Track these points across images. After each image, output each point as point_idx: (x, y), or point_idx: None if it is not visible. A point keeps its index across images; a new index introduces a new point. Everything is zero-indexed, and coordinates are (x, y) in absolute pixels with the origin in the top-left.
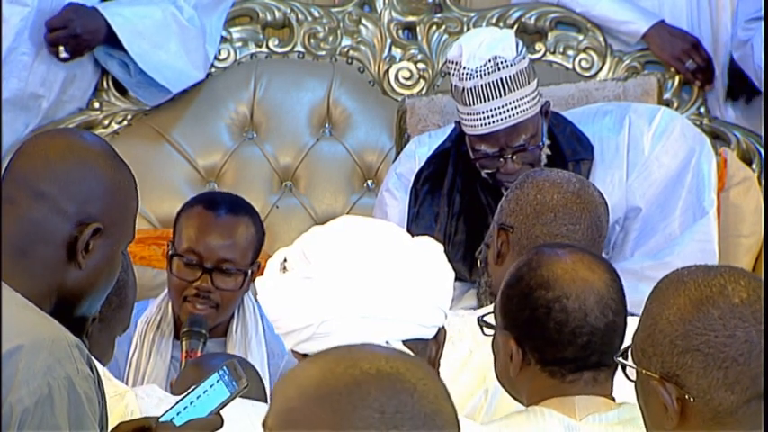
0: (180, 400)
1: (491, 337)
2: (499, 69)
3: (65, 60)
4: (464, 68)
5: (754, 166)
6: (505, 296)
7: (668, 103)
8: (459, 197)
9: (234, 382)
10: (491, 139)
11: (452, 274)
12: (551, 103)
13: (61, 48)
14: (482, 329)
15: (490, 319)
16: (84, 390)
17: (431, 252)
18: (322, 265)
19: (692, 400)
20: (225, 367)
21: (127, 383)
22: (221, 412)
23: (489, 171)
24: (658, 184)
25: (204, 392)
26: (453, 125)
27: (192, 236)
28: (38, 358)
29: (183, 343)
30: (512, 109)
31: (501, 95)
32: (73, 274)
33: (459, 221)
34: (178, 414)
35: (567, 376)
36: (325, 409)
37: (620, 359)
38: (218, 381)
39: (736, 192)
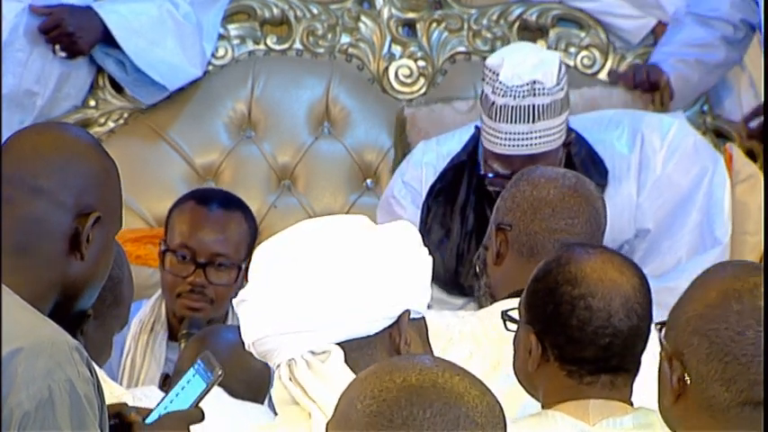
0: (161, 401)
1: (491, 339)
2: (534, 95)
3: (65, 58)
4: (500, 83)
5: (756, 165)
6: (531, 290)
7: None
8: (473, 214)
9: (209, 373)
10: (506, 160)
11: (417, 255)
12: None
13: (57, 47)
14: (505, 324)
15: (514, 314)
16: (84, 392)
17: (378, 240)
18: (250, 287)
19: (689, 382)
20: (199, 361)
21: (121, 385)
22: (213, 409)
23: (495, 189)
24: (669, 204)
25: (182, 389)
26: (462, 129)
27: (185, 231)
28: (38, 361)
29: (182, 346)
30: (536, 138)
31: (529, 122)
32: (75, 265)
33: (472, 239)
34: (159, 416)
35: (585, 378)
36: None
37: (658, 328)
38: (194, 375)
39: (742, 189)
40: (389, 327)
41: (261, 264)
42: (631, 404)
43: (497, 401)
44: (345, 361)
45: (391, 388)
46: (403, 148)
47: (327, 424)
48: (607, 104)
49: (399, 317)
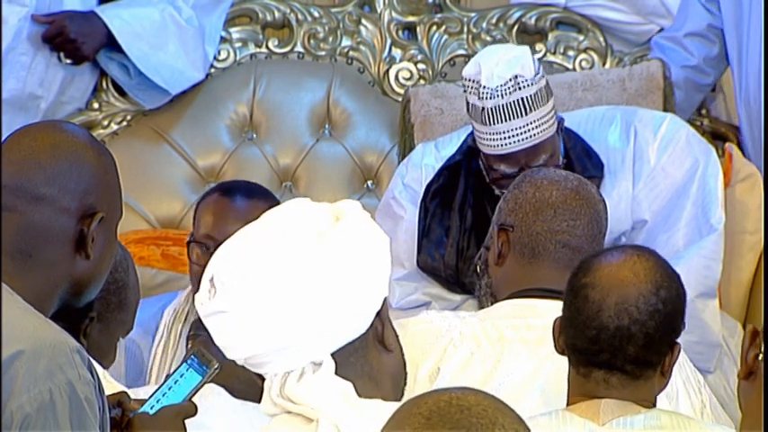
0: (154, 393)
1: (491, 339)
2: (520, 89)
3: (71, 65)
4: (484, 87)
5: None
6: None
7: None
8: (471, 211)
9: (204, 367)
10: (511, 159)
11: (382, 244)
12: (553, 86)
13: (62, 54)
14: None
15: None
16: (85, 395)
17: (351, 234)
18: (233, 297)
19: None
20: (193, 355)
21: (151, 374)
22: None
23: (504, 191)
24: (664, 195)
25: (176, 383)
26: (460, 132)
27: (210, 222)
28: (39, 364)
29: (189, 346)
30: (532, 129)
31: (522, 115)
32: (80, 264)
33: (471, 236)
34: (152, 408)
35: (580, 368)
36: None
37: None
38: (188, 369)
39: (741, 188)
40: (374, 319)
41: (235, 271)
42: (646, 405)
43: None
44: (337, 370)
45: (433, 395)
46: (404, 123)
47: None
48: (605, 79)
49: (381, 306)
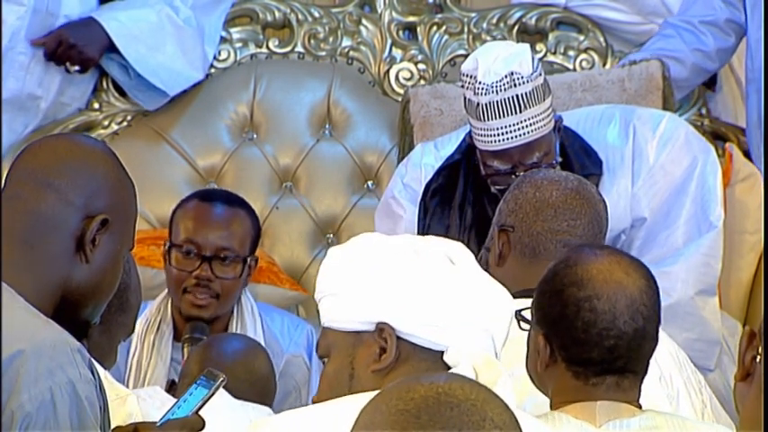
0: (168, 411)
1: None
2: (516, 86)
3: (79, 72)
4: (480, 83)
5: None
6: (539, 292)
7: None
8: (470, 210)
9: (211, 381)
10: (505, 155)
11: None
12: (553, 86)
13: (68, 64)
14: (519, 324)
15: (527, 314)
16: (86, 394)
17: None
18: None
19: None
20: (202, 377)
21: (128, 385)
22: (209, 414)
23: (500, 187)
24: (663, 192)
25: (185, 401)
26: (459, 132)
27: (190, 227)
28: (39, 363)
29: (185, 350)
30: (527, 126)
31: (516, 112)
32: (79, 269)
33: (471, 234)
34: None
35: (591, 379)
36: None
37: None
38: (196, 388)
39: (742, 188)
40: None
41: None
42: (639, 406)
43: (516, 419)
44: None
45: (419, 389)
46: (404, 123)
47: None
48: (605, 80)
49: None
